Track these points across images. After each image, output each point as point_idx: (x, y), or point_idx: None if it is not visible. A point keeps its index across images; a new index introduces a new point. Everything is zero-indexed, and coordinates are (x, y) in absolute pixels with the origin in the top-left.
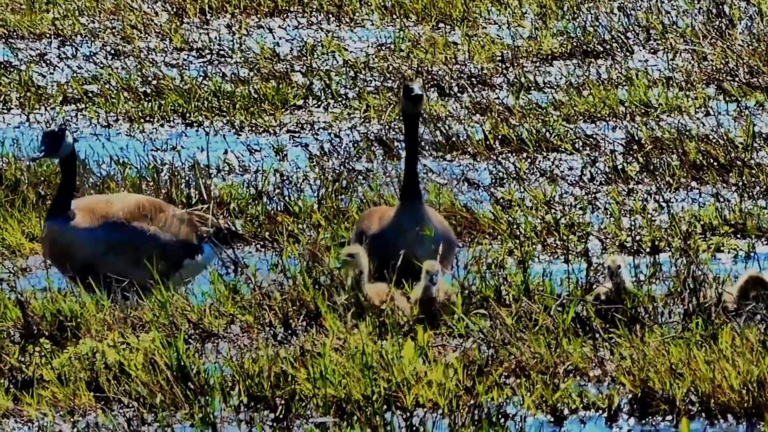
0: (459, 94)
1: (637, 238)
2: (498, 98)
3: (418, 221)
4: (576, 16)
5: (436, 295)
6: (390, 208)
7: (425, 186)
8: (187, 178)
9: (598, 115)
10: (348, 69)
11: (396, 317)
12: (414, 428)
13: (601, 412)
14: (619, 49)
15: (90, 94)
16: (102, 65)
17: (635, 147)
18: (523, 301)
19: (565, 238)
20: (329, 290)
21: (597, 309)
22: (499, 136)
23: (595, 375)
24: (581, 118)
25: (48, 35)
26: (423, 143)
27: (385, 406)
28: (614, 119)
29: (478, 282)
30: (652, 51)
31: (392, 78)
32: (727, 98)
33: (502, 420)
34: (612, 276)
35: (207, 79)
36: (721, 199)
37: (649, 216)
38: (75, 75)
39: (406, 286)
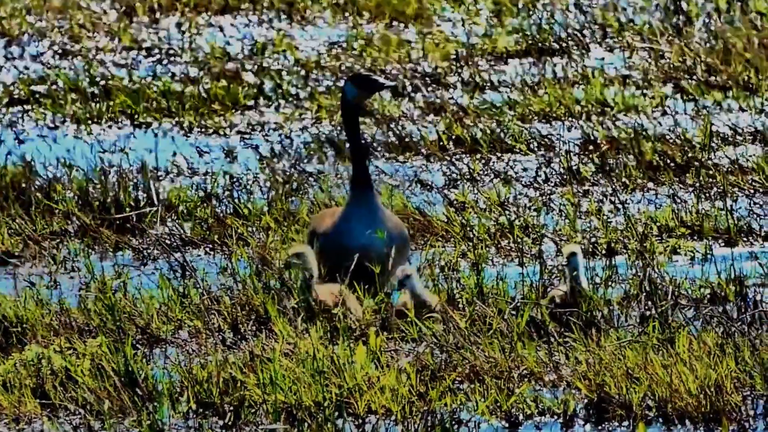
0: (413, 94)
1: (593, 240)
2: (452, 98)
3: (370, 211)
4: (531, 13)
5: (403, 304)
6: (341, 210)
7: (377, 187)
8: (135, 180)
9: (554, 114)
10: (299, 68)
11: (348, 321)
12: None
13: (556, 417)
14: (575, 47)
15: (37, 95)
16: (49, 65)
17: (591, 147)
18: (476, 305)
19: (519, 240)
20: (279, 294)
21: (552, 312)
22: (453, 137)
23: (551, 380)
24: (536, 117)
25: None
26: (375, 144)
27: (336, 413)
28: (570, 119)
29: (431, 285)
30: (608, 49)
31: (345, 78)
32: (685, 97)
33: (456, 426)
34: (567, 266)
35: (156, 79)
36: (678, 201)
37: (605, 218)
38: (21, 75)
39: (359, 289)
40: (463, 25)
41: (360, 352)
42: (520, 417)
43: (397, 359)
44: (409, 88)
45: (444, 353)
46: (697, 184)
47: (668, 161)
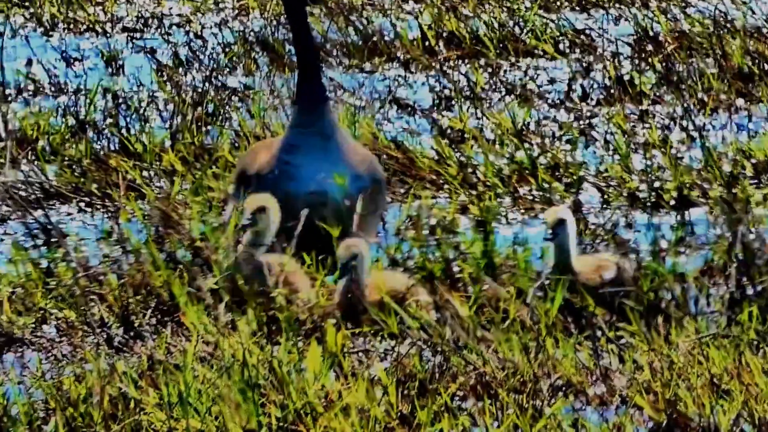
0: None
1: (656, 185)
2: None
3: (324, 142)
4: None
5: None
6: (281, 138)
7: (335, 108)
8: None
9: None
10: None
11: (294, 309)
12: None
13: None
14: None
15: None
16: None
17: (650, 47)
18: (485, 283)
19: (545, 187)
20: (191, 270)
21: (597, 293)
22: (444, 34)
23: (597, 394)
24: (568, 4)
25: None
26: (329, 46)
27: None
28: (618, 5)
29: (418, 255)
30: None
31: None
32: None
33: None
34: (553, 236)
35: None
36: None
37: (674, 152)
38: None
39: (308, 259)
40: None
41: (313, 355)
42: None
43: (369, 365)
44: None
45: (438, 355)
46: None
47: (766, 67)
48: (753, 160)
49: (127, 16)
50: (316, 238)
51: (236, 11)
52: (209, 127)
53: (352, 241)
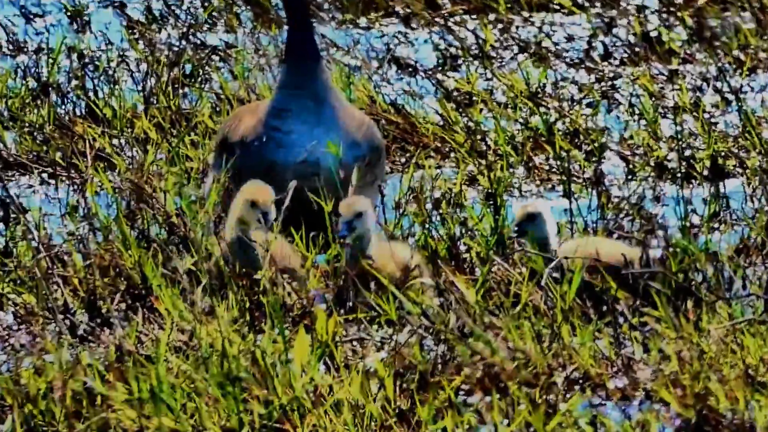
0: None
1: (687, 153)
2: None
3: (317, 105)
4: None
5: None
6: (268, 102)
7: (328, 67)
8: None
9: None
10: None
11: (280, 292)
12: None
13: None
14: None
15: None
16: None
17: (680, 0)
18: (494, 263)
19: (563, 156)
20: (166, 250)
21: (620, 274)
22: None
23: (618, 388)
24: None
25: None
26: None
27: None
28: None
29: (420, 232)
30: None
31: None
32: None
33: None
34: (519, 233)
35: None
36: None
37: (707, 117)
38: None
39: (298, 238)
40: None
41: (301, 345)
42: None
43: (363, 355)
44: None
45: (441, 344)
46: None
47: None
48: None
49: None
50: (307, 212)
51: None
52: (187, 90)
53: (353, 199)
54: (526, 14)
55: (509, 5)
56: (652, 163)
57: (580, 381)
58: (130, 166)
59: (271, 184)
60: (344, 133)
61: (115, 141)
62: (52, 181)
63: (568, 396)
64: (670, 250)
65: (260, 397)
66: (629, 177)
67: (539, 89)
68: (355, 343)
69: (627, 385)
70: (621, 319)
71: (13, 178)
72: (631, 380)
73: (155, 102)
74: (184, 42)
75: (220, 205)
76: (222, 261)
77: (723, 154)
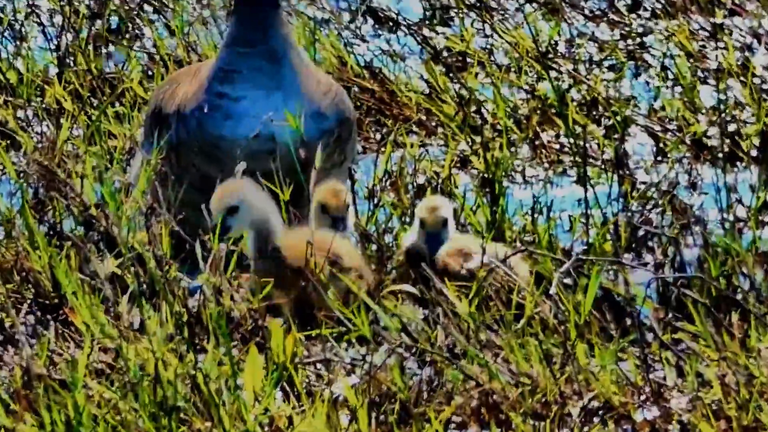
0: None
1: (732, 128)
2: None
3: (273, 66)
4: None
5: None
6: (212, 62)
7: (287, 21)
8: None
9: None
10: None
11: (225, 301)
12: None
13: None
14: None
15: None
16: None
17: None
18: (491, 266)
19: (578, 130)
20: (83, 249)
21: (661, 281)
22: None
23: (647, 420)
24: None
25: None
26: None
27: None
28: None
29: (399, 226)
30: None
31: None
32: None
33: None
34: (423, 239)
35: None
36: None
37: (758, 82)
38: None
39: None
40: None
41: (252, 368)
42: None
43: (330, 380)
44: None
45: (427, 367)
46: None
47: None
48: None
49: None
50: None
51: None
52: (112, 49)
53: (232, 185)
54: None
55: None
56: (687, 141)
57: (600, 412)
58: (39, 145)
59: (214, 166)
60: (307, 101)
61: (20, 113)
62: None
63: (585, 430)
64: (710, 249)
65: (202, 430)
66: (659, 158)
67: (550, 48)
68: (319, 365)
69: (658, 417)
70: (649, 336)
71: None
72: (662, 411)
73: (72, 64)
74: None
75: (151, 194)
76: (153, 262)
77: None
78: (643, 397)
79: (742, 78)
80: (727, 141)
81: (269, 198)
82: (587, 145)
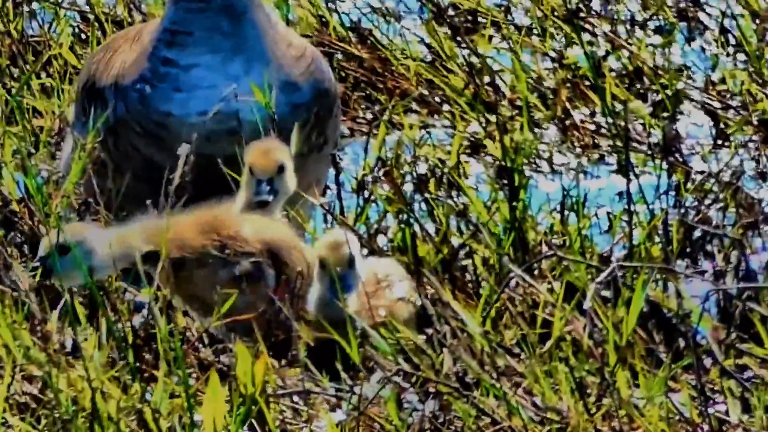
0: None
1: None
2: None
3: (234, 24)
4: None
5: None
6: (158, 22)
7: None
8: None
9: None
10: None
11: (178, 319)
12: None
13: None
14: None
15: None
16: None
17: None
18: (510, 276)
19: (617, 109)
20: (2, 252)
21: (722, 293)
22: None
23: None
24: None
25: None
26: None
27: None
28: None
29: (395, 227)
30: None
31: None
32: None
33: None
34: (324, 279)
35: None
36: None
37: None
38: None
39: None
40: None
41: (213, 400)
42: None
43: (310, 417)
44: None
45: (431, 400)
46: None
47: None
48: None
49: None
50: (219, 194)
51: None
52: (36, 7)
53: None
54: None
55: None
56: (754, 121)
57: None
58: None
59: (161, 150)
60: (276, 69)
61: None
62: None
63: None
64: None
65: None
66: (719, 142)
67: (581, 5)
68: (296, 398)
69: None
70: (708, 361)
71: None
72: None
73: None
74: None
75: (85, 186)
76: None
77: None
78: None
79: None
80: None
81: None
82: (629, 125)
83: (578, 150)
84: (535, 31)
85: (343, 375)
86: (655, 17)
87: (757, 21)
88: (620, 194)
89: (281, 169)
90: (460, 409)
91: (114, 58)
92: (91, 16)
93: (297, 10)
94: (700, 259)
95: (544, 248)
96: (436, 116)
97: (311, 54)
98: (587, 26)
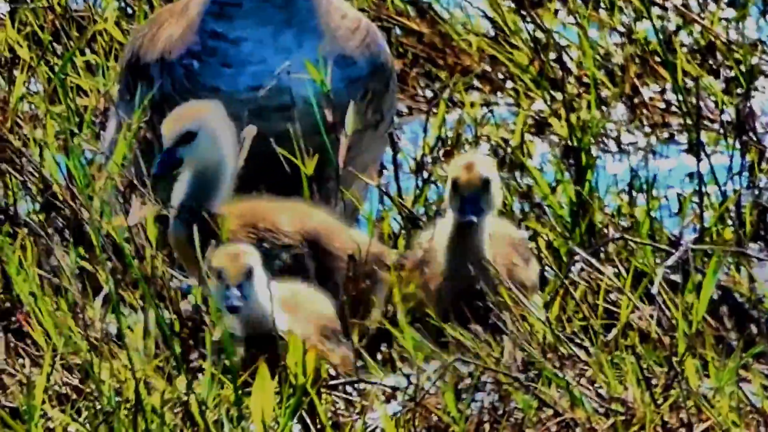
0: None
1: None
2: None
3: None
4: None
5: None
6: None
7: None
8: None
9: None
10: None
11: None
12: None
13: None
14: None
15: None
16: None
17: None
18: (575, 260)
19: (688, 86)
20: (43, 236)
21: None
22: None
23: None
24: None
25: None
26: None
27: None
28: None
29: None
30: None
31: None
32: None
33: None
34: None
35: None
36: None
37: None
38: None
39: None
40: None
41: (262, 392)
42: None
43: (364, 409)
44: None
45: (491, 392)
46: None
47: None
48: None
49: None
50: (272, 176)
51: None
52: None
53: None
54: None
55: None
56: None
57: None
58: None
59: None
60: (330, 42)
61: None
62: None
63: None
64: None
65: None
66: None
67: None
68: (349, 389)
69: None
70: None
71: None
72: None
73: (28, 0)
74: None
75: (133, 167)
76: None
77: None
78: None
79: None
80: None
81: (233, 137)
82: (701, 103)
83: (647, 129)
84: (602, 5)
85: (399, 364)
86: None
87: None
88: (691, 175)
89: (486, 184)
90: (520, 399)
91: (160, 33)
92: None
93: None
94: None
95: (611, 231)
96: (499, 94)
97: (366, 26)
98: None
